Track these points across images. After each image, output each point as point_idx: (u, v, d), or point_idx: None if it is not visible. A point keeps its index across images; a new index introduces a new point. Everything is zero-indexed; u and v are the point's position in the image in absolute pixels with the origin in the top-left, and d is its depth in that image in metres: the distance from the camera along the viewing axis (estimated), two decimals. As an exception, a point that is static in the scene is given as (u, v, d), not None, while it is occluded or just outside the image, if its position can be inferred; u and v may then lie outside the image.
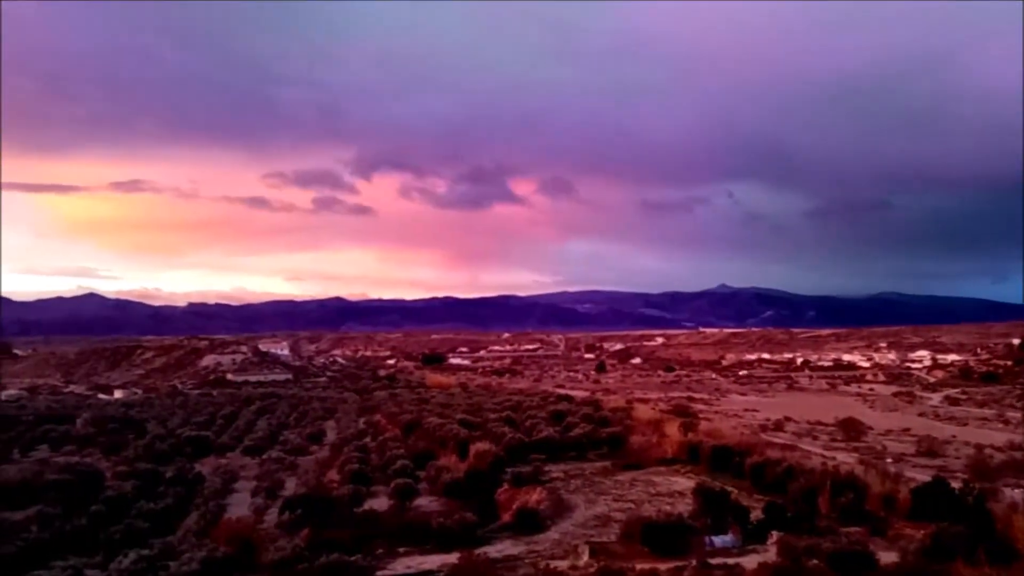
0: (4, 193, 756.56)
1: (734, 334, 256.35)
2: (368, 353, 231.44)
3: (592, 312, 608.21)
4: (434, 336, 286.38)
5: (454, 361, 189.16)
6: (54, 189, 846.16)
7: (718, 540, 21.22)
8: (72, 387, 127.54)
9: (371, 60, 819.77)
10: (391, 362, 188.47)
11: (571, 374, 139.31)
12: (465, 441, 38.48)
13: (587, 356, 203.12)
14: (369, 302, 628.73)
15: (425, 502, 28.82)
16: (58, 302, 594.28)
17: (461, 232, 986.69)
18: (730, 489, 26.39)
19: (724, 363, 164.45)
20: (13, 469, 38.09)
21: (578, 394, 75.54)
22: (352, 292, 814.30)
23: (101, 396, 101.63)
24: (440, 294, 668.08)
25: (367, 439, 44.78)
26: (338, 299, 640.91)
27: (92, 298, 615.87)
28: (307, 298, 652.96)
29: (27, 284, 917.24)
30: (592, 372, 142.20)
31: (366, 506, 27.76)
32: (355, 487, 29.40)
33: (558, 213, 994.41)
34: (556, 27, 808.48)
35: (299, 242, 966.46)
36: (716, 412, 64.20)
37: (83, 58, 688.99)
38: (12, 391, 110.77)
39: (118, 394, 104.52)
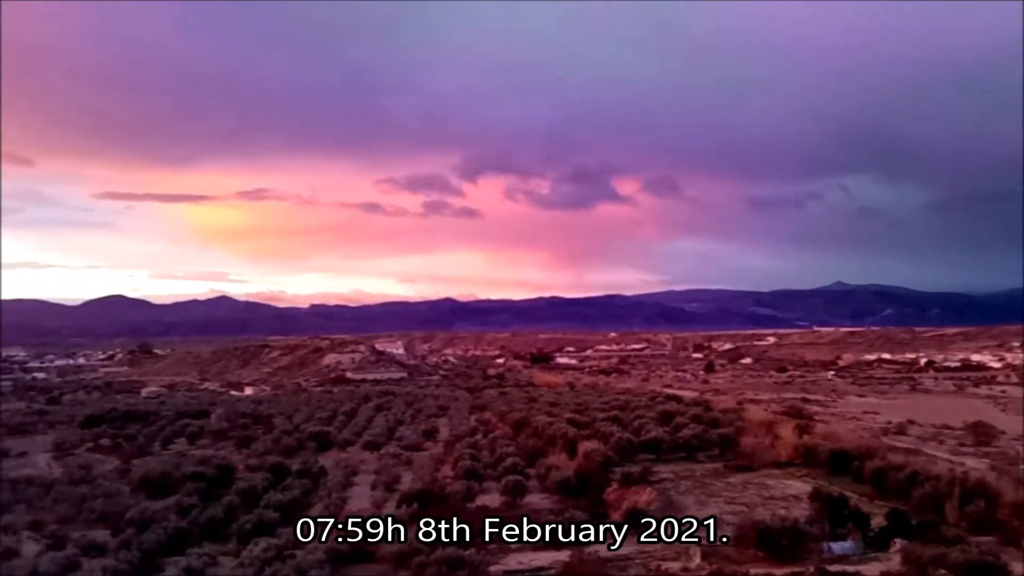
0: (143, 204, 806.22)
1: (851, 333, 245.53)
2: (478, 352, 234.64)
3: (700, 311, 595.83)
4: (541, 336, 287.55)
5: (561, 360, 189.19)
6: (187, 199, 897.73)
7: (837, 547, 20.38)
8: (207, 384, 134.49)
9: (473, 65, 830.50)
10: (500, 361, 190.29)
11: (679, 374, 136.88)
12: (573, 440, 38.43)
13: (695, 356, 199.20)
14: (478, 302, 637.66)
15: (535, 499, 28.95)
16: (193, 305, 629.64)
17: (566, 232, 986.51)
18: (849, 494, 25.32)
19: (841, 363, 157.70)
20: (155, 462, 40.53)
21: (687, 394, 74.12)
22: (462, 293, 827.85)
23: (233, 393, 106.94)
24: (546, 294, 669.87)
25: (478, 436, 45.34)
26: (449, 300, 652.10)
27: (224, 301, 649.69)
28: (419, 299, 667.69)
29: (165, 288, 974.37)
30: (701, 372, 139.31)
31: (478, 502, 28.15)
32: (468, 483, 29.87)
33: (663, 212, 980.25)
34: (657, 24, 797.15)
35: (411, 245, 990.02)
36: (832, 414, 61.66)
37: (209, 77, 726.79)
38: (153, 388, 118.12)
39: (248, 391, 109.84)
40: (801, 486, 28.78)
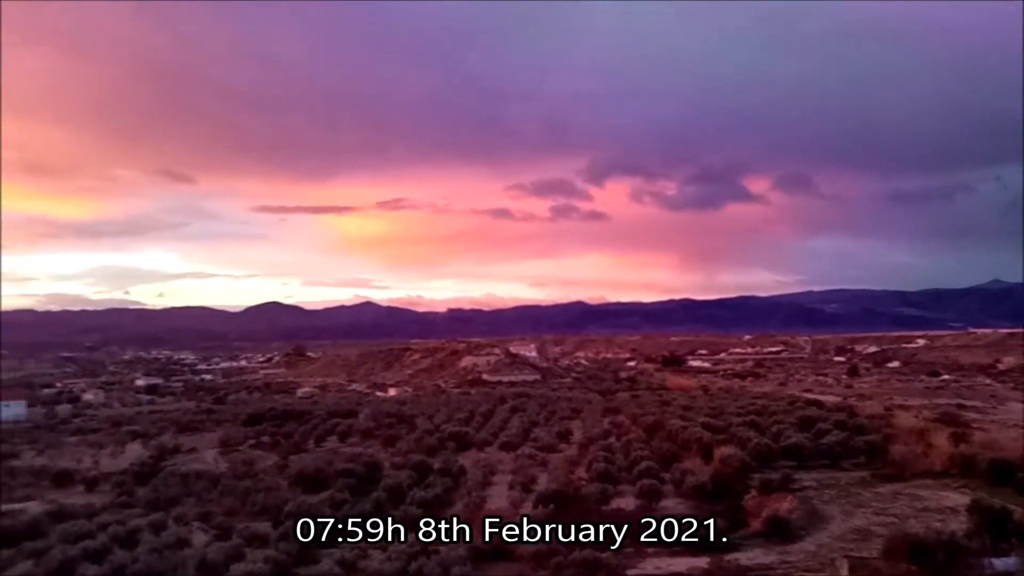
0: (294, 216, 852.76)
1: (1011, 335, 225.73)
2: (609, 355, 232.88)
3: (840, 312, 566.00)
4: (673, 338, 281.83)
5: (694, 363, 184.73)
6: (331, 210, 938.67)
7: (999, 563, 18.78)
8: (354, 385, 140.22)
9: (595, 68, 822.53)
10: (631, 364, 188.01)
11: (819, 378, 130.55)
12: (709, 444, 37.45)
13: (837, 359, 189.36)
14: (608, 305, 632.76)
15: (671, 504, 28.38)
16: (340, 310, 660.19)
17: (694, 233, 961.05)
18: (1012, 507, 23.32)
19: (1000, 367, 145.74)
20: (309, 458, 42.62)
21: (828, 399, 70.60)
22: (591, 295, 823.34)
23: (378, 394, 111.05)
24: (677, 296, 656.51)
25: (611, 439, 44.95)
26: (579, 303, 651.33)
27: (368, 306, 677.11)
28: (550, 302, 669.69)
29: (315, 295, 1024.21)
30: (843, 376, 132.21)
31: (613, 505, 27.91)
32: (602, 485, 29.68)
33: (797, 209, 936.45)
34: (783, 19, 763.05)
35: (540, 249, 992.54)
36: (992, 421, 56.99)
37: (347, 93, 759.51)
38: (307, 389, 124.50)
39: (392, 392, 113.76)
40: (958, 498, 26.75)
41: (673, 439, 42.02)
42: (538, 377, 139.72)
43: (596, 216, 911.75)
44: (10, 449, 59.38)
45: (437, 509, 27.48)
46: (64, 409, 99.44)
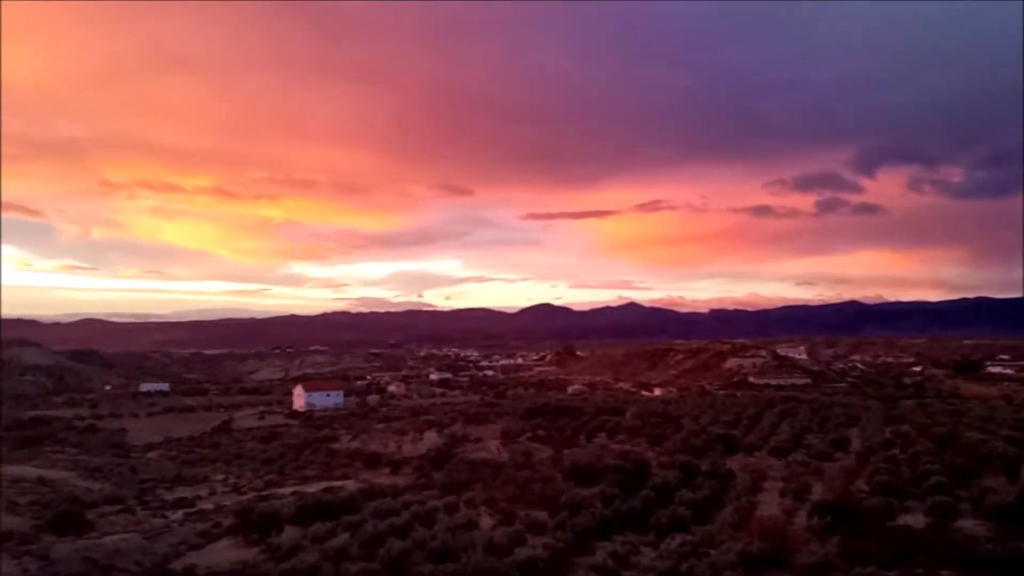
0: (559, 221, 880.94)
1: None
2: (889, 359, 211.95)
3: None
4: (966, 341, 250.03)
5: (993, 370, 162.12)
6: (594, 215, 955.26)
7: None
8: (620, 384, 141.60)
9: (860, 49, 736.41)
10: (917, 369, 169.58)
11: None
12: (1014, 461, 32.68)
13: None
14: (886, 305, 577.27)
15: (968, 524, 25.17)
16: (605, 311, 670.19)
17: (987, 225, 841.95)
18: None
19: None
20: (581, 452, 43.69)
21: None
22: (867, 295, 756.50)
23: (644, 393, 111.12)
24: (969, 295, 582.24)
25: (895, 450, 40.87)
26: (853, 303, 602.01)
27: (631, 307, 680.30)
28: (820, 302, 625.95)
29: (582, 296, 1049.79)
30: None
31: (898, 520, 25.36)
32: (886, 499, 27.10)
33: None
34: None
35: (806, 246, 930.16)
36: None
37: (603, 100, 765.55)
38: (576, 386, 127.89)
39: (657, 391, 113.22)
40: None
41: (969, 453, 37.23)
42: (809, 381, 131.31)
43: (868, 209, 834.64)
44: (331, 433, 67.92)
45: (705, 511, 26.84)
46: (373, 399, 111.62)
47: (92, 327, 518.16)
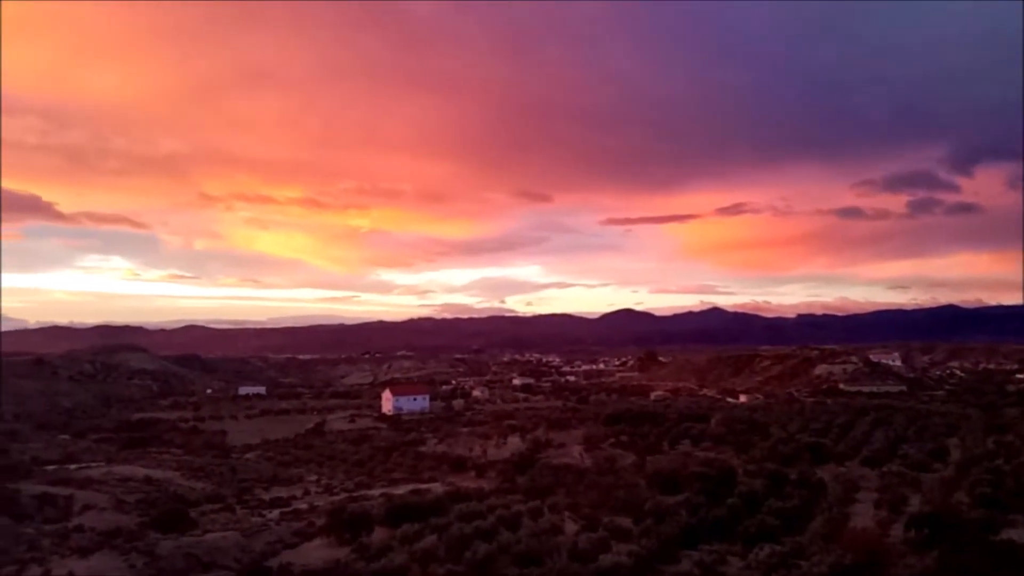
0: (639, 226, 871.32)
1: None
2: (991, 366, 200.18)
3: None
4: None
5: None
6: (674, 219, 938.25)
7: None
8: (704, 390, 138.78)
9: (956, 41, 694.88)
10: (1021, 376, 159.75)
11: None
12: None
13: None
14: (986, 309, 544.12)
15: (1084, 541, 23.51)
16: (688, 316, 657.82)
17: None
18: None
19: None
20: (664, 459, 43.03)
21: None
22: (965, 299, 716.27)
23: (729, 400, 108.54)
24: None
25: (999, 461, 38.60)
26: (950, 307, 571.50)
27: (715, 312, 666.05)
28: (914, 306, 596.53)
29: (663, 301, 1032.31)
30: None
31: (1001, 535, 23.91)
32: (988, 512, 25.61)
33: None
34: None
35: (898, 249, 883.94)
36: None
37: (682, 102, 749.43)
38: (659, 392, 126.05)
39: (742, 398, 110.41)
40: None
41: (1083, 465, 34.85)
42: (904, 388, 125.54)
43: (965, 209, 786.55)
44: (418, 437, 69.03)
45: (795, 521, 25.96)
46: (458, 403, 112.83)
47: (194, 333, 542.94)
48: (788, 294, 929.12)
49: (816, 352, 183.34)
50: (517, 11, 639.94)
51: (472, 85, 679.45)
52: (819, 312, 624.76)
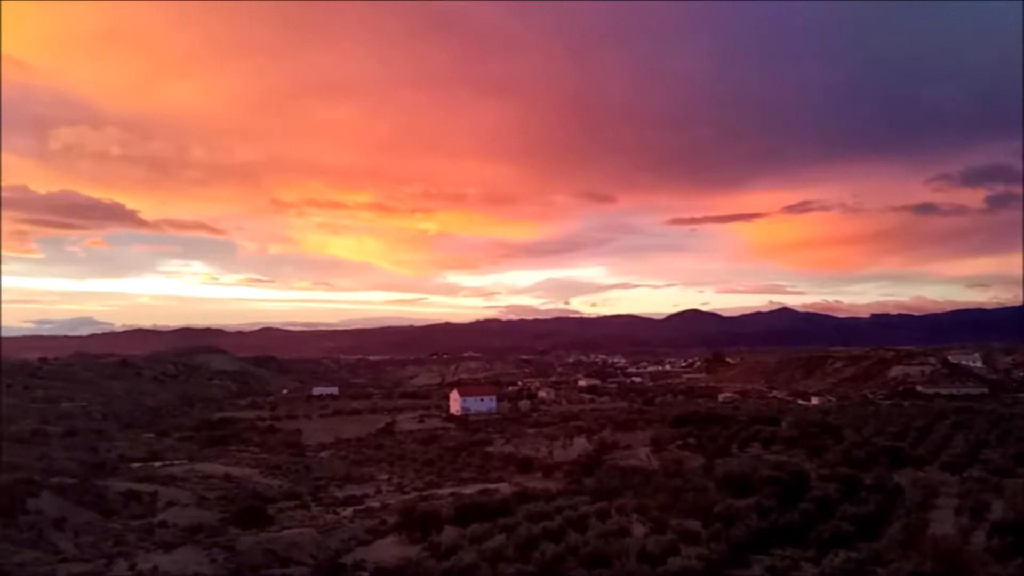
0: (704, 226, 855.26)
1: None
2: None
3: None
4: None
5: None
6: (740, 218, 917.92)
7: None
8: (774, 392, 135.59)
9: None
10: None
11: None
12: None
13: None
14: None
15: None
16: (756, 316, 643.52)
17: None
18: None
19: None
20: (734, 462, 42.19)
21: None
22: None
23: (800, 402, 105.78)
24: None
25: (1092, 467, 36.61)
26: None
27: (784, 312, 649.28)
28: (996, 305, 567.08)
29: (730, 302, 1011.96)
30: None
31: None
32: (1082, 521, 24.29)
33: None
34: None
35: (977, 245, 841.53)
36: None
37: (746, 99, 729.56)
38: (727, 394, 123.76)
39: (814, 400, 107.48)
40: None
41: None
42: (985, 390, 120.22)
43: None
44: (485, 437, 69.50)
45: (871, 527, 25.14)
46: (524, 404, 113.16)
47: (270, 335, 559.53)
48: (860, 293, 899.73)
49: (891, 353, 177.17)
50: (579, 14, 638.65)
51: (536, 88, 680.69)
52: (894, 312, 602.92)
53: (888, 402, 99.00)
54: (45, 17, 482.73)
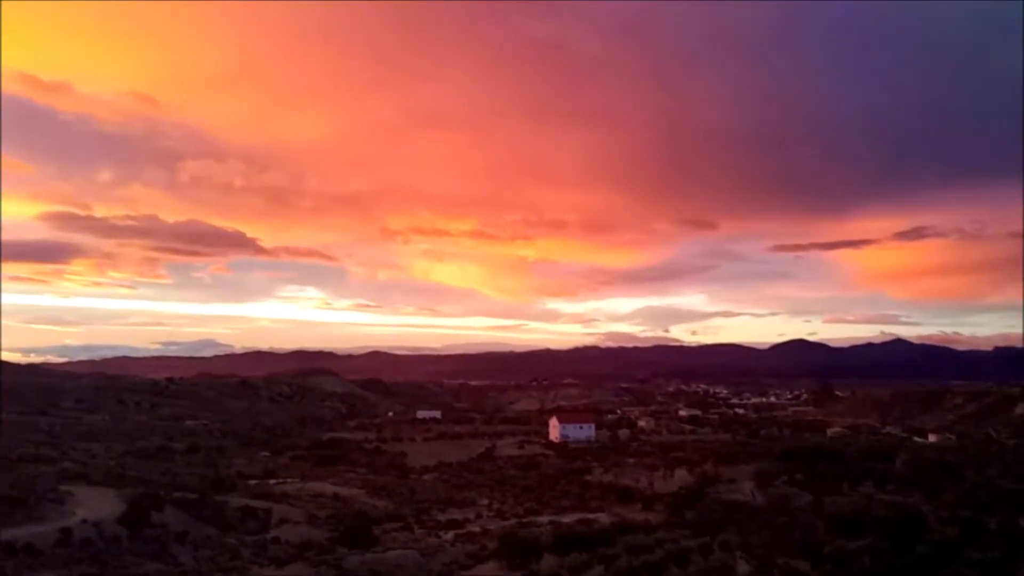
0: (809, 253, 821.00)
1: None
2: None
3: None
4: None
5: None
6: (847, 245, 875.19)
7: None
8: (887, 428, 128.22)
9: None
10: None
11: None
12: None
13: None
14: None
15: None
16: (867, 348, 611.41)
17: None
18: None
19: None
20: (844, 501, 39.98)
21: None
22: None
23: (916, 439, 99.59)
24: None
25: None
26: None
27: (898, 343, 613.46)
28: None
29: (838, 332, 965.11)
30: None
31: None
32: None
33: None
34: None
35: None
36: None
37: (853, 121, 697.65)
38: (837, 428, 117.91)
39: (931, 438, 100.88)
40: None
41: None
42: None
43: None
44: (584, 465, 68.82)
45: (995, 574, 23.27)
46: (623, 433, 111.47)
47: (377, 359, 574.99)
48: (982, 324, 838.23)
49: (1017, 389, 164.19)
50: (675, 37, 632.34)
51: (634, 115, 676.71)
52: (1019, 344, 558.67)
53: (1014, 441, 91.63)
54: (175, 57, 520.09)
